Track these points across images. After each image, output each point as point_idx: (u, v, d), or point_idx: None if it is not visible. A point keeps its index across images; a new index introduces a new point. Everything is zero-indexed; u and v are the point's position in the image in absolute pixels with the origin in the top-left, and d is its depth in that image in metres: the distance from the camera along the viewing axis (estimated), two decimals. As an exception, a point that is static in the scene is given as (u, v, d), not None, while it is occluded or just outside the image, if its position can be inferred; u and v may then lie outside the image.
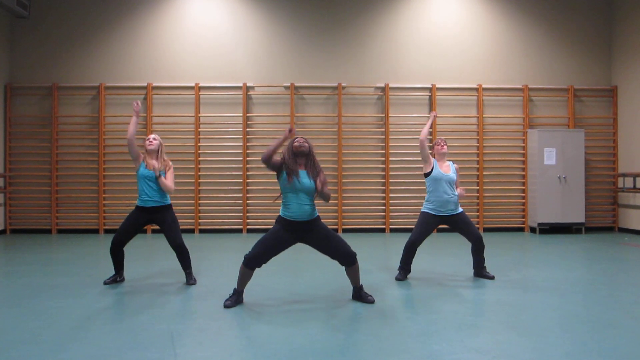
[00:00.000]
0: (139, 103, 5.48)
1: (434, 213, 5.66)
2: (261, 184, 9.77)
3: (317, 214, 4.68)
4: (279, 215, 4.65)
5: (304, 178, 4.49)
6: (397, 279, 5.69)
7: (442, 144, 5.77)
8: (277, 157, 4.56)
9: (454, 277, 5.83)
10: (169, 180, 5.38)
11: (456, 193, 5.66)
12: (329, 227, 4.82)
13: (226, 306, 4.56)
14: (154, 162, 5.36)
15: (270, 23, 10.14)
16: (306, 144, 4.57)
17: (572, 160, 9.74)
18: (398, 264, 5.83)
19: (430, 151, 5.84)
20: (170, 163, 5.51)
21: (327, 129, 10.10)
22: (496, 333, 3.87)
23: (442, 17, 10.26)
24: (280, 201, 4.67)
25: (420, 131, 6.17)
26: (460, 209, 5.71)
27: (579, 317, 4.28)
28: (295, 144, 4.56)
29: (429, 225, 5.69)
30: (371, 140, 10.17)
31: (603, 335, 3.82)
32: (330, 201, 9.52)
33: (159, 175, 5.28)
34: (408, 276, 5.78)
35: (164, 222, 5.41)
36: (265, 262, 4.62)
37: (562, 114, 10.33)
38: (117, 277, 5.53)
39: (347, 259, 4.64)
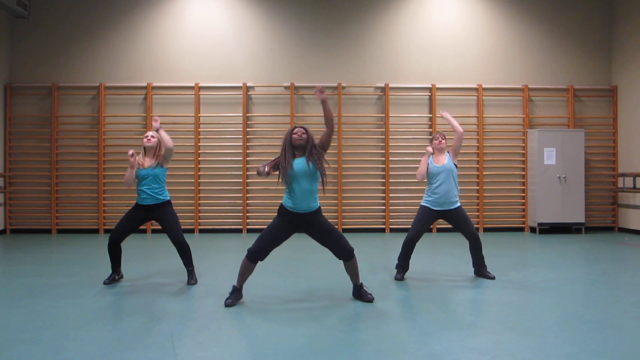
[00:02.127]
0: (134, 153, 5.31)
1: (432, 207, 5.67)
2: (261, 184, 9.77)
3: (319, 205, 4.68)
4: (281, 204, 4.66)
5: (299, 164, 4.48)
6: (396, 278, 5.68)
7: (440, 139, 5.73)
8: (271, 166, 4.52)
9: (453, 277, 5.83)
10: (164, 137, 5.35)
11: (456, 194, 5.66)
12: (330, 222, 4.81)
13: (227, 305, 4.57)
14: (144, 161, 5.32)
15: (270, 23, 10.14)
16: (305, 136, 4.52)
17: (572, 160, 9.73)
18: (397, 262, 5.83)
19: (429, 145, 5.85)
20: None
21: (327, 129, 10.08)
22: (496, 333, 3.87)
23: (442, 17, 10.25)
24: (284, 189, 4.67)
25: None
26: (458, 204, 5.71)
27: (579, 317, 4.27)
28: (294, 135, 4.52)
29: (427, 219, 5.71)
30: (371, 140, 10.16)
31: (603, 335, 3.82)
32: (330, 196, 9.60)
33: (158, 129, 5.28)
34: (408, 276, 5.78)
35: (164, 219, 5.41)
36: (267, 255, 4.65)
37: (562, 114, 10.33)
38: (116, 276, 5.52)
39: (345, 253, 4.66)
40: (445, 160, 5.67)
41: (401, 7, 10.23)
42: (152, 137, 5.42)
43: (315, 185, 4.56)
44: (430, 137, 9.94)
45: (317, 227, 4.63)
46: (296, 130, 4.56)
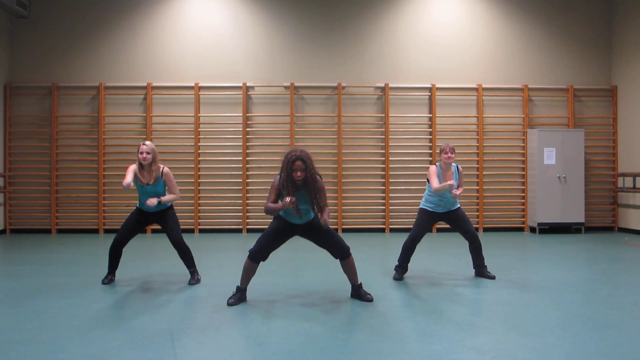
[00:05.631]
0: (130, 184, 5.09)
1: (432, 209, 5.70)
2: (261, 184, 9.78)
3: (314, 213, 4.74)
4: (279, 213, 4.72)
5: (300, 203, 4.54)
6: (395, 278, 5.69)
7: (450, 154, 5.58)
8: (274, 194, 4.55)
9: (454, 277, 5.83)
10: (171, 189, 5.37)
11: (455, 193, 5.68)
12: (329, 226, 4.85)
13: (229, 304, 4.60)
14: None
15: (270, 23, 10.14)
16: (303, 175, 4.42)
17: (572, 160, 9.73)
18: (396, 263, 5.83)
19: (437, 152, 5.82)
20: (164, 168, 5.34)
21: (327, 129, 10.09)
22: (496, 333, 3.87)
23: (442, 17, 10.25)
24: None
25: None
26: (458, 205, 5.73)
27: (579, 317, 4.27)
28: (294, 174, 4.42)
29: (427, 221, 5.74)
30: (371, 140, 10.16)
31: (603, 335, 3.82)
32: (330, 196, 9.61)
33: (159, 202, 5.20)
34: (408, 276, 5.79)
35: (164, 221, 5.45)
36: (268, 255, 4.72)
37: (562, 114, 10.33)
38: (112, 277, 5.54)
39: (341, 252, 4.73)
40: (452, 178, 5.63)
41: (401, 7, 10.23)
42: (148, 153, 5.24)
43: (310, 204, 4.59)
44: (430, 136, 10.03)
45: (314, 231, 4.71)
46: (296, 165, 4.41)
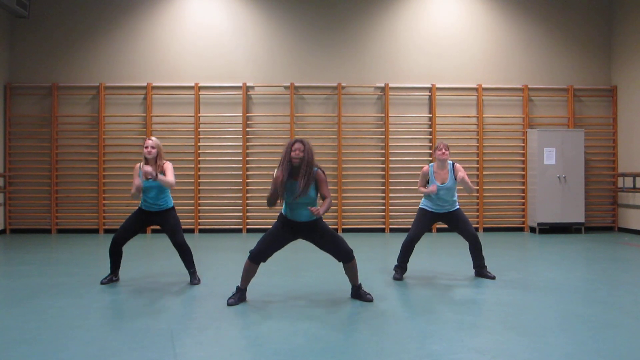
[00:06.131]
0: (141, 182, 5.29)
1: (431, 210, 5.70)
2: (261, 184, 9.78)
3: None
4: (281, 212, 4.71)
5: (293, 186, 4.46)
6: (395, 278, 5.69)
7: (444, 150, 5.59)
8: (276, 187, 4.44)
9: (453, 277, 5.83)
10: (168, 176, 5.28)
11: (455, 198, 5.68)
12: (329, 227, 4.84)
13: (229, 304, 4.59)
14: (147, 168, 5.15)
15: (270, 23, 10.14)
16: (302, 154, 4.42)
17: (571, 160, 9.73)
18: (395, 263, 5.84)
19: (430, 152, 5.83)
20: (165, 162, 5.38)
21: (327, 128, 10.10)
22: (496, 333, 3.87)
23: (442, 17, 10.25)
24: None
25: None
26: (457, 206, 5.72)
27: (579, 317, 4.27)
28: (292, 154, 4.43)
29: (426, 221, 5.73)
30: (371, 140, 10.16)
31: (603, 335, 3.82)
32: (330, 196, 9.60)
33: (156, 175, 5.14)
34: (408, 276, 5.80)
35: (166, 223, 5.45)
36: (269, 257, 4.70)
37: (562, 114, 10.33)
38: (113, 277, 5.54)
39: (345, 256, 4.70)
40: (447, 178, 5.59)
41: (401, 7, 10.23)
42: (153, 147, 5.30)
43: (312, 198, 4.56)
44: (430, 136, 10.03)
45: (317, 233, 4.68)
46: (295, 146, 4.45)
